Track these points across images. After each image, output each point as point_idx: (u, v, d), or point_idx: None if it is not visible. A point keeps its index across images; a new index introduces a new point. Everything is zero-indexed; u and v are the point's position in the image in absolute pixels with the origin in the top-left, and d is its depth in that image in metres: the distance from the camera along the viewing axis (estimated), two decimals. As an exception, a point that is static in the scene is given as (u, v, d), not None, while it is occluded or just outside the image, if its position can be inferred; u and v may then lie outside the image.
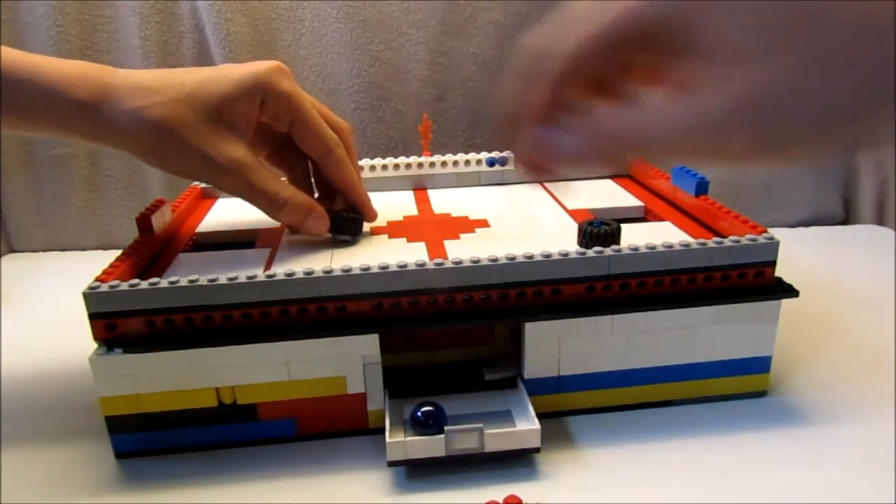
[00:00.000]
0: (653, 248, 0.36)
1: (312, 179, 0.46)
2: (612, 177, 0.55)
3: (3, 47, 0.36)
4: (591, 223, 0.40)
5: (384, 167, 0.54)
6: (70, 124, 0.37)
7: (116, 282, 0.34)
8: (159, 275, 0.38)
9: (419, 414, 0.35)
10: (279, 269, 0.35)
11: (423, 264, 0.35)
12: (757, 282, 0.38)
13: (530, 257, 0.36)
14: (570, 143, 0.27)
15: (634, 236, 0.41)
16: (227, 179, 0.39)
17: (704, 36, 0.23)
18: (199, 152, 0.37)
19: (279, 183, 0.41)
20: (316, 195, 0.45)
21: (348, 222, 0.43)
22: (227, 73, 0.39)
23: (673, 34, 0.24)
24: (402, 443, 0.34)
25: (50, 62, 0.36)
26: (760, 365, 0.40)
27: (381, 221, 0.47)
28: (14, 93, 0.35)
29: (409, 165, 0.54)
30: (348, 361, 0.36)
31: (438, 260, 0.35)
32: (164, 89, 0.37)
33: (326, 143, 0.42)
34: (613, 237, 0.39)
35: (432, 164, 0.54)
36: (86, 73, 0.36)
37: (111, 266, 0.37)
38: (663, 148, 0.26)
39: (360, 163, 0.54)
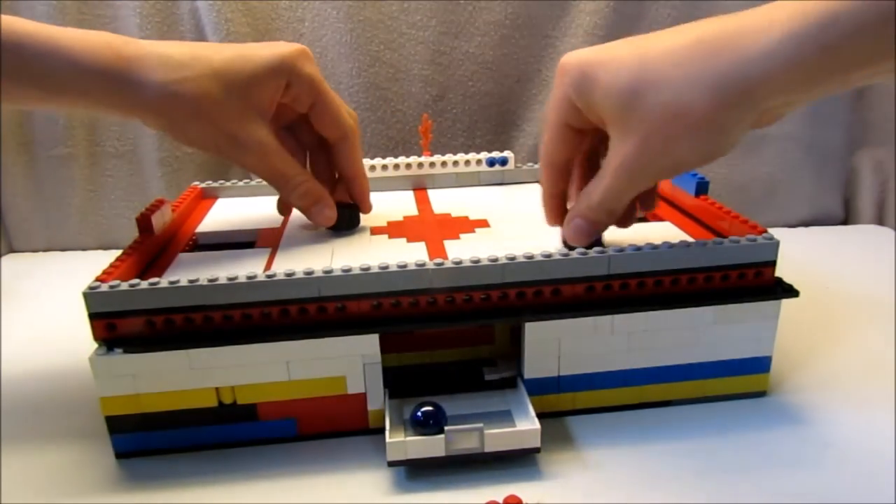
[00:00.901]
0: (653, 248, 0.36)
1: (309, 169, 0.46)
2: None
3: (21, 19, 0.35)
4: None
5: (384, 167, 0.54)
6: (94, 95, 0.36)
7: (116, 282, 0.34)
8: (159, 275, 0.38)
9: (419, 414, 0.35)
10: (279, 269, 0.35)
11: (423, 264, 0.35)
12: (757, 282, 0.38)
13: (530, 257, 0.36)
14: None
15: (634, 236, 0.42)
16: (250, 158, 0.39)
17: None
18: (225, 130, 0.38)
19: (297, 167, 0.42)
20: None
21: (345, 215, 0.44)
22: (255, 53, 0.39)
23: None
24: (402, 443, 0.34)
25: (71, 32, 0.36)
26: (760, 365, 0.40)
27: (381, 221, 0.47)
28: (35, 64, 0.35)
29: (409, 165, 0.54)
30: (348, 361, 0.36)
31: (438, 260, 0.35)
32: (195, 63, 0.37)
33: (344, 128, 0.43)
34: (597, 239, 0.38)
35: (432, 164, 0.54)
36: (109, 43, 0.36)
37: (111, 266, 0.37)
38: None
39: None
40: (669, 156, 0.32)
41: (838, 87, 0.29)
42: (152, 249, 0.42)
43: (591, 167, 0.39)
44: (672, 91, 0.30)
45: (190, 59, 0.37)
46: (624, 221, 0.39)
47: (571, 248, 0.37)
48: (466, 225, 0.46)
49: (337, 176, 0.46)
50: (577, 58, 0.34)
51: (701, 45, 0.30)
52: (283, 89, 0.40)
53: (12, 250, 0.72)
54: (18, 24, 0.35)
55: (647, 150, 0.32)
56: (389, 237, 0.44)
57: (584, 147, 0.38)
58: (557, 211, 0.39)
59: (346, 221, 0.45)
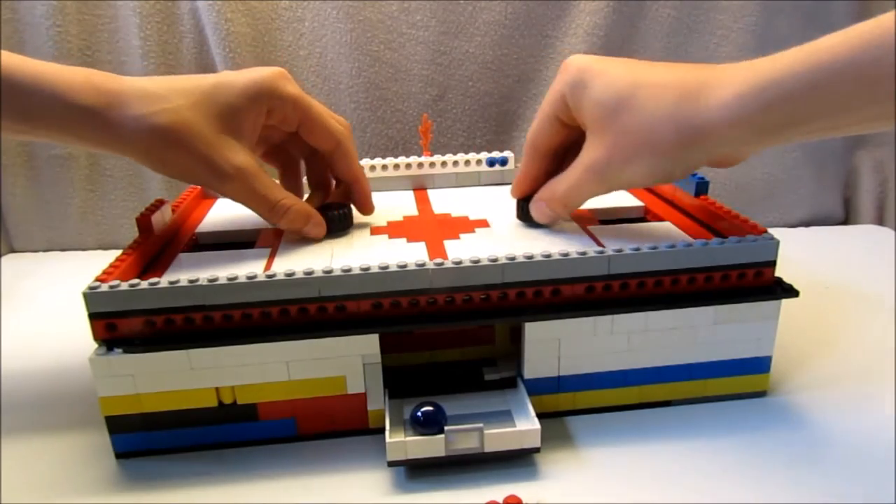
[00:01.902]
0: (653, 248, 0.36)
1: (305, 178, 0.47)
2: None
3: (5, 52, 0.35)
4: (527, 200, 0.43)
5: (384, 167, 0.54)
6: (75, 131, 0.37)
7: (116, 282, 0.34)
8: (159, 275, 0.38)
9: (419, 414, 0.35)
10: (279, 269, 0.35)
11: (423, 264, 0.35)
12: (757, 282, 0.38)
13: (530, 257, 0.36)
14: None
15: (634, 236, 0.42)
16: (231, 186, 0.39)
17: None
18: (204, 159, 0.38)
19: (281, 191, 0.41)
20: (306, 195, 0.46)
21: (336, 220, 0.44)
22: (233, 80, 0.39)
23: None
24: (402, 443, 0.34)
25: (54, 68, 0.36)
26: (760, 365, 0.40)
27: (381, 221, 0.47)
28: (18, 99, 0.35)
29: (409, 165, 0.54)
30: (348, 361, 0.36)
31: (438, 260, 0.35)
32: (172, 95, 0.37)
33: (336, 137, 0.43)
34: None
35: (432, 164, 0.54)
36: (90, 80, 0.36)
37: (111, 266, 0.37)
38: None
39: (360, 163, 0.54)
40: (628, 170, 0.37)
41: (781, 140, 0.34)
42: (152, 249, 0.42)
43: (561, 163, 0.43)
44: (647, 119, 0.35)
45: (167, 91, 0.37)
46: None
47: (527, 220, 0.44)
48: (466, 225, 0.46)
49: (335, 183, 0.47)
50: (579, 62, 0.38)
51: (679, 90, 0.34)
52: (267, 114, 0.40)
53: (12, 250, 0.72)
54: (6, 59, 0.35)
55: (612, 160, 0.37)
56: (389, 237, 0.44)
57: (566, 142, 0.42)
58: (525, 188, 0.44)
59: (339, 223, 0.44)
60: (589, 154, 0.38)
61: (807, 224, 0.73)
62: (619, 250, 0.36)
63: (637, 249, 0.36)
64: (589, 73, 0.37)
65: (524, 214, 0.44)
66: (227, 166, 0.38)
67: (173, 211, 0.46)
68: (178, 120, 0.37)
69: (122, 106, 0.36)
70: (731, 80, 0.33)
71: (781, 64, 0.31)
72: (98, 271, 0.36)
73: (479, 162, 0.55)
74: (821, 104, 0.31)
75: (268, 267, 0.39)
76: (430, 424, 0.35)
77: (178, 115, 0.37)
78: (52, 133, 0.37)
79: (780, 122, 0.32)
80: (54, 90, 0.35)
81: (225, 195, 0.40)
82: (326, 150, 0.43)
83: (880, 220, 0.74)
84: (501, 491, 0.33)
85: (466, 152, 0.55)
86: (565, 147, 0.42)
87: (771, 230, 0.39)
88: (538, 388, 0.38)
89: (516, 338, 0.39)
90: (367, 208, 0.46)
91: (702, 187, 0.46)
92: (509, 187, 0.48)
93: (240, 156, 0.39)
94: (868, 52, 0.29)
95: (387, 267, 0.35)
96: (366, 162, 0.54)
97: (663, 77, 0.36)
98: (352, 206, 0.46)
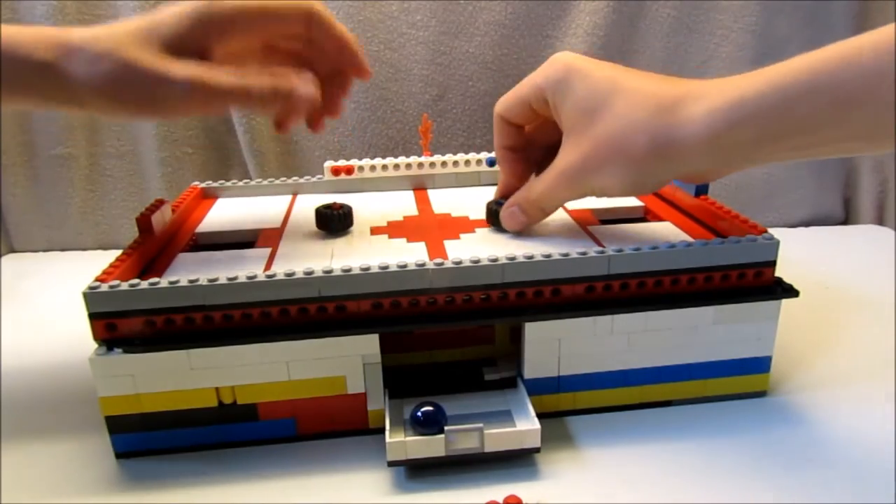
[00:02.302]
0: (653, 248, 0.36)
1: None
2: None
3: None
4: (497, 202, 0.43)
5: (384, 167, 0.54)
6: (35, 87, 0.36)
7: (116, 282, 0.34)
8: (159, 275, 0.38)
9: (419, 414, 0.35)
10: (279, 269, 0.35)
11: (423, 264, 0.35)
12: (757, 282, 0.38)
13: (530, 257, 0.36)
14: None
15: (634, 236, 0.42)
16: (193, 95, 0.36)
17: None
18: (154, 77, 0.35)
19: (241, 72, 0.37)
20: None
21: (336, 220, 0.44)
22: (171, 12, 0.37)
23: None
24: (402, 443, 0.34)
25: (8, 29, 0.35)
26: (760, 365, 0.40)
27: (381, 221, 0.47)
28: None
29: (409, 165, 0.54)
30: (348, 361, 0.36)
31: (438, 260, 0.35)
32: (115, 32, 0.36)
33: (300, 8, 0.39)
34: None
35: (432, 164, 0.54)
36: (40, 35, 0.35)
37: (111, 266, 0.37)
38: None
39: (360, 163, 0.54)
40: (601, 178, 0.36)
41: (751, 160, 0.34)
42: (152, 249, 0.42)
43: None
44: (622, 127, 0.35)
45: (110, 31, 0.36)
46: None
47: (497, 226, 0.43)
48: (466, 225, 0.46)
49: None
50: (566, 60, 0.38)
51: (657, 100, 0.34)
52: (223, 37, 0.37)
53: (12, 250, 0.72)
54: None
55: (586, 166, 0.37)
56: (389, 237, 0.44)
57: (533, 128, 0.43)
58: (502, 187, 0.44)
59: (339, 223, 0.44)
60: (564, 158, 0.38)
61: (807, 224, 0.73)
62: (619, 250, 0.36)
63: (637, 249, 0.36)
64: (573, 73, 0.37)
65: (495, 220, 0.43)
66: (178, 75, 0.35)
67: (173, 211, 0.46)
68: (123, 53, 0.35)
69: (74, 52, 0.35)
70: (705, 95, 0.33)
71: (753, 81, 0.32)
72: (98, 271, 0.36)
73: (479, 162, 0.55)
74: (788, 123, 0.31)
75: (268, 267, 0.39)
76: (430, 424, 0.35)
77: (123, 50, 0.35)
78: (16, 95, 0.36)
79: (750, 140, 0.32)
80: (13, 51, 0.35)
81: (192, 108, 0.37)
82: (304, 26, 0.39)
83: (880, 220, 0.74)
84: (501, 491, 0.33)
85: (466, 152, 0.55)
86: (529, 137, 0.43)
87: (771, 230, 0.39)
88: (538, 388, 0.38)
89: (516, 338, 0.39)
90: (364, 71, 0.42)
91: (702, 187, 0.46)
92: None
93: (190, 66, 0.36)
94: (834, 74, 0.29)
95: (387, 267, 0.35)
96: (366, 162, 0.54)
97: (643, 86, 0.35)
98: (352, 207, 0.45)
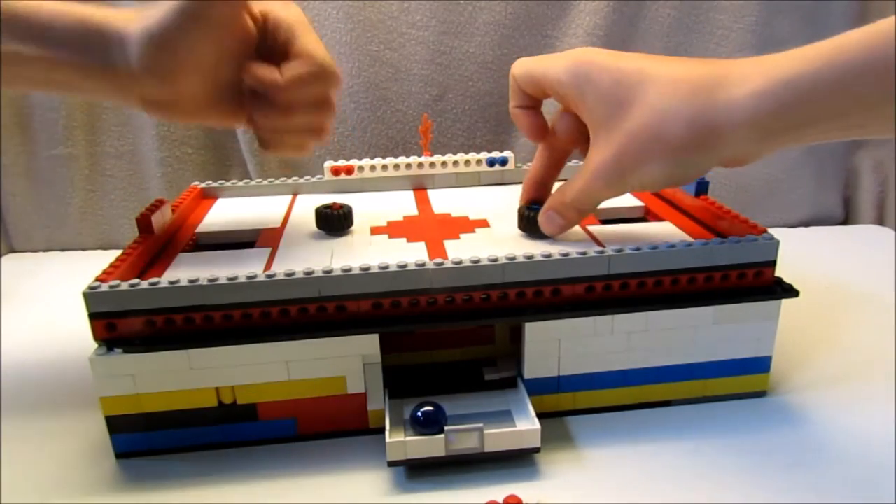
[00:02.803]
0: (653, 248, 0.36)
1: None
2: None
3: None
4: (529, 208, 0.42)
5: (384, 167, 0.54)
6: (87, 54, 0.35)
7: (116, 282, 0.34)
8: (159, 275, 0.38)
9: (419, 414, 0.35)
10: (279, 269, 0.35)
11: (423, 264, 0.35)
12: (757, 282, 0.38)
13: (530, 257, 0.36)
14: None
15: (634, 236, 0.42)
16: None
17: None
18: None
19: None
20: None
21: (336, 220, 0.44)
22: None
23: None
24: (402, 443, 0.34)
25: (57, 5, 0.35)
26: (760, 365, 0.40)
27: (381, 221, 0.47)
28: (42, 34, 0.34)
29: (409, 165, 0.54)
30: (348, 361, 0.36)
31: (438, 260, 0.35)
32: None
33: (288, 23, 0.38)
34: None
35: (432, 164, 0.54)
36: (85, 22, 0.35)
37: (111, 266, 0.37)
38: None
39: (360, 163, 0.54)
40: (639, 173, 0.35)
41: (797, 141, 0.33)
42: (152, 249, 0.42)
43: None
44: (657, 116, 0.33)
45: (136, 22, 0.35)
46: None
47: (532, 231, 0.42)
48: (466, 225, 0.46)
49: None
50: (586, 58, 0.36)
51: (691, 85, 0.33)
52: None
53: (12, 250, 0.72)
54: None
55: (621, 162, 0.35)
56: (389, 237, 0.44)
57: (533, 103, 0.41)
58: (529, 188, 0.43)
59: (339, 223, 0.44)
60: (597, 156, 0.36)
61: (807, 224, 0.73)
62: (619, 250, 0.36)
63: (637, 249, 0.36)
64: (594, 68, 0.35)
65: (528, 225, 0.42)
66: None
67: (173, 211, 0.46)
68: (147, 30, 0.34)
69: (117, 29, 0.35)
70: (747, 76, 0.32)
71: (801, 61, 0.30)
72: (98, 271, 0.36)
73: (479, 162, 0.55)
74: (842, 103, 0.30)
75: (268, 267, 0.39)
76: (430, 424, 0.35)
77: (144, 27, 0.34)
78: (68, 65, 0.35)
79: (797, 121, 0.31)
80: (71, 20, 0.34)
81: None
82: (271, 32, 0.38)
83: (880, 220, 0.74)
84: (501, 491, 0.33)
85: (466, 152, 0.55)
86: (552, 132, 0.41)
87: (771, 230, 0.39)
88: (538, 388, 0.38)
89: (516, 338, 0.39)
90: (335, 79, 0.39)
91: (702, 187, 0.46)
92: (509, 187, 0.48)
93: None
94: (890, 50, 0.28)
95: (387, 267, 0.35)
96: (366, 162, 0.54)
97: (674, 72, 0.34)
98: (352, 207, 0.45)
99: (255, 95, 0.38)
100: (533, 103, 0.41)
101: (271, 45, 0.38)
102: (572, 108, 0.38)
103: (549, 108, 0.40)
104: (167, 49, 0.34)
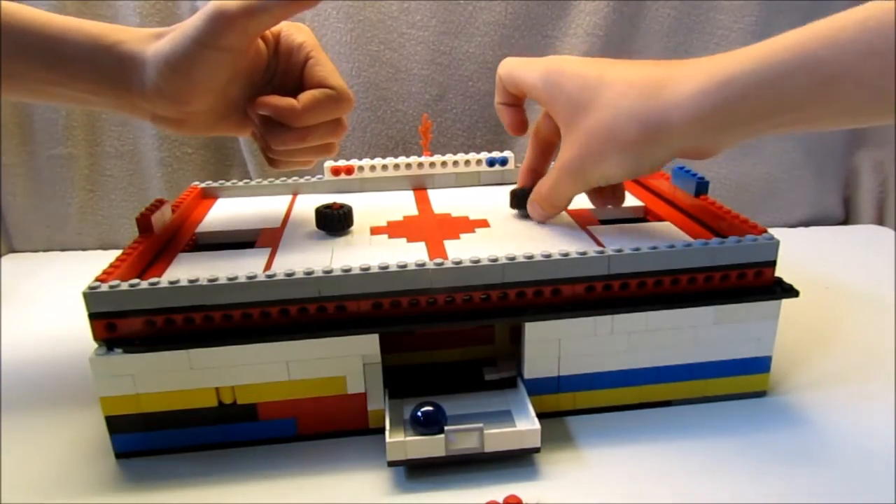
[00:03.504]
0: (653, 248, 0.36)
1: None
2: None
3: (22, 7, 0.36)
4: (522, 189, 0.46)
5: (384, 167, 0.54)
6: (100, 69, 0.37)
7: (116, 282, 0.34)
8: (159, 275, 0.38)
9: (419, 414, 0.35)
10: (279, 269, 0.35)
11: (423, 264, 0.35)
12: (757, 282, 0.38)
13: (530, 257, 0.36)
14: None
15: (634, 236, 0.42)
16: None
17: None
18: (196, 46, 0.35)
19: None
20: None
21: (336, 220, 0.44)
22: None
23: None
24: (402, 443, 0.34)
25: (70, 21, 0.37)
26: (760, 365, 0.40)
27: (381, 221, 0.47)
28: (54, 48, 0.36)
29: (409, 165, 0.54)
30: (348, 361, 0.36)
31: (438, 260, 0.35)
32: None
33: (303, 40, 0.41)
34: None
35: (432, 164, 0.54)
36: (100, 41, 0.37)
37: (111, 266, 0.37)
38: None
39: (360, 163, 0.54)
40: (600, 168, 0.38)
41: (746, 135, 0.34)
42: (152, 249, 0.42)
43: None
44: (612, 116, 0.36)
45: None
46: (613, 202, 0.44)
47: (520, 209, 0.46)
48: (466, 225, 0.46)
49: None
50: (556, 65, 0.40)
51: (641, 87, 0.35)
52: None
53: (12, 250, 0.72)
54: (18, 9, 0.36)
55: (583, 159, 0.38)
56: (389, 237, 0.44)
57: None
58: (524, 176, 0.47)
59: (339, 223, 0.44)
60: (563, 154, 0.39)
61: (807, 224, 0.73)
62: (619, 250, 0.36)
63: (637, 249, 0.36)
64: (563, 76, 0.39)
65: (518, 203, 0.46)
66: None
67: (173, 211, 0.46)
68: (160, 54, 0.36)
69: (135, 48, 0.37)
70: (691, 76, 0.34)
71: (739, 60, 0.32)
72: (98, 271, 0.36)
73: (479, 162, 0.55)
74: (775, 101, 0.31)
75: (268, 267, 0.39)
76: (430, 424, 0.35)
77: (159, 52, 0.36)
78: (80, 81, 0.37)
79: (739, 118, 0.33)
80: (84, 37, 0.36)
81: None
82: (298, 52, 0.41)
83: (880, 220, 0.74)
84: (501, 491, 0.33)
85: (466, 152, 0.55)
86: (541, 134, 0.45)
87: (771, 230, 0.39)
88: (538, 388, 0.38)
89: (516, 338, 0.39)
90: (346, 102, 0.41)
91: (702, 187, 0.46)
92: (509, 187, 0.48)
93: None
94: (816, 53, 0.30)
95: (387, 267, 0.35)
96: (366, 162, 0.54)
97: (628, 75, 0.36)
98: (352, 207, 0.45)
99: (267, 120, 0.39)
100: (515, 101, 0.45)
101: (284, 67, 0.41)
102: (548, 110, 0.42)
103: (539, 106, 0.43)
104: (182, 74, 0.36)
